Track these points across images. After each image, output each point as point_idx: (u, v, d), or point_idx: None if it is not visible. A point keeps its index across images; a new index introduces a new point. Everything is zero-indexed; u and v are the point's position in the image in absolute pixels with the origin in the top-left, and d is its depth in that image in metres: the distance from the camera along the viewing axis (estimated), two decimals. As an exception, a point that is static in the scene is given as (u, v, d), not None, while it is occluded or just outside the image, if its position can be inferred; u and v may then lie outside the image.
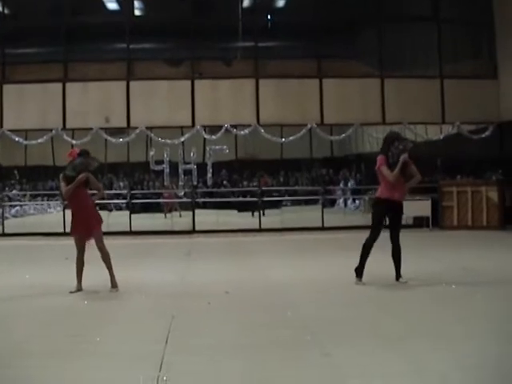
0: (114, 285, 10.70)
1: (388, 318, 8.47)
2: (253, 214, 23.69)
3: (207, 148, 22.68)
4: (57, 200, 23.98)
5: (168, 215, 24.45)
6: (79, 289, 10.58)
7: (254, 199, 23.50)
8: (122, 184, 26.12)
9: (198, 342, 7.31)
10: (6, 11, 23.94)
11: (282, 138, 23.31)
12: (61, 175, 10.86)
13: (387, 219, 11.29)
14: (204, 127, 22.64)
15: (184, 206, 24.19)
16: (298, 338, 7.38)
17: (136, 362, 6.53)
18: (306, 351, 6.84)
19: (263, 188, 23.95)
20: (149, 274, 12.89)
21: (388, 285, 10.92)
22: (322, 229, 22.33)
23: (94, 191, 11.32)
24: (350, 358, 6.57)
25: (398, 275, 11.09)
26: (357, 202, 27.01)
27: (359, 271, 11.17)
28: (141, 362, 6.49)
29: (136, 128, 22.24)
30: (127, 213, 22.71)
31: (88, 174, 10.69)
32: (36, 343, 7.40)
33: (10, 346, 7.21)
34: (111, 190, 24.92)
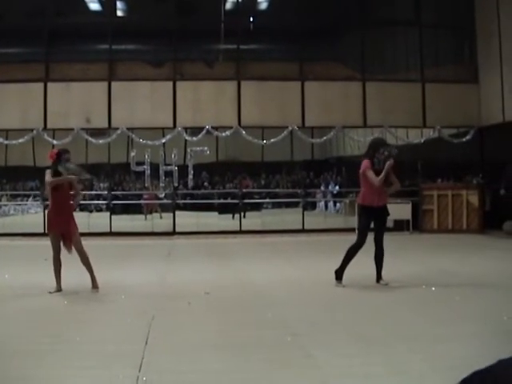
0: (94, 285, 10.63)
1: (368, 320, 8.48)
2: (233, 217, 23.66)
3: (188, 149, 22.63)
4: (37, 200, 23.87)
5: (148, 216, 24.39)
6: (58, 289, 10.51)
7: (235, 201, 23.47)
8: (102, 185, 26.03)
9: (178, 342, 7.31)
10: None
11: (263, 140, 23.28)
12: (48, 170, 10.77)
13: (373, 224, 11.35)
14: (185, 129, 22.59)
15: (164, 208, 24.14)
16: (279, 339, 7.39)
17: (116, 361, 6.52)
18: (288, 352, 6.86)
19: (244, 190, 23.92)
20: (129, 274, 12.86)
21: (368, 287, 10.96)
22: (303, 231, 22.35)
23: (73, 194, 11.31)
24: (330, 358, 6.59)
25: (379, 277, 11.17)
26: (338, 204, 27.08)
27: (339, 274, 11.21)
28: (120, 362, 6.48)
29: (117, 129, 22.16)
30: (107, 214, 22.65)
31: (75, 179, 10.79)
32: (14, 343, 7.36)
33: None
34: (91, 190, 24.80)
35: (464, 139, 22.87)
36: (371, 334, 7.62)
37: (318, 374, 6.13)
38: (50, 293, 10.33)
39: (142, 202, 24.94)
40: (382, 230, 11.27)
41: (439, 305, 9.44)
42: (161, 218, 24.05)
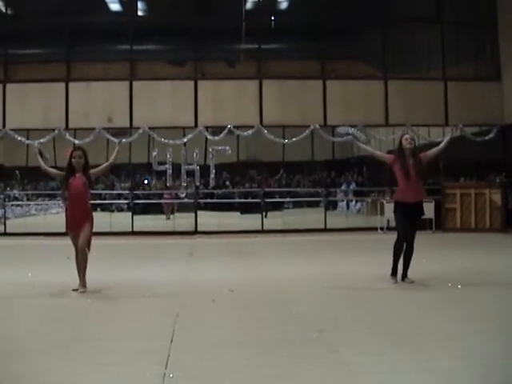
0: (82, 284, 10.47)
1: (394, 317, 8.41)
2: (266, 215, 23.54)
3: (209, 149, 22.61)
4: (59, 200, 23.92)
5: (170, 216, 24.39)
6: (82, 287, 10.44)
7: (257, 200, 23.38)
8: (123, 185, 26.00)
9: (203, 339, 7.26)
10: (9, 11, 23.92)
11: (284, 139, 23.20)
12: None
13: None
14: (206, 128, 22.58)
15: (186, 208, 24.12)
16: (304, 336, 7.33)
17: (142, 358, 6.48)
18: (313, 348, 6.80)
19: (266, 190, 23.85)
20: (152, 273, 12.83)
21: (391, 284, 10.87)
22: (325, 230, 22.30)
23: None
24: (357, 355, 6.51)
25: (405, 275, 11.04)
26: (359, 204, 26.96)
27: (393, 270, 11.06)
28: (147, 359, 6.44)
29: (138, 128, 22.18)
30: (129, 214, 22.69)
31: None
32: (40, 341, 7.34)
33: (13, 344, 7.15)
34: (113, 190, 24.82)
35: (486, 137, 22.75)
36: (396, 331, 7.54)
37: (344, 370, 6.06)
38: (74, 290, 10.31)
39: (162, 201, 24.88)
40: (414, 228, 11.03)
41: (465, 303, 9.34)
42: (168, 218, 24.01)
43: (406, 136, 11.19)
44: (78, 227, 10.48)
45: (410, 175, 10.82)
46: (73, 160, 10.69)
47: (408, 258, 11.00)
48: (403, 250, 10.92)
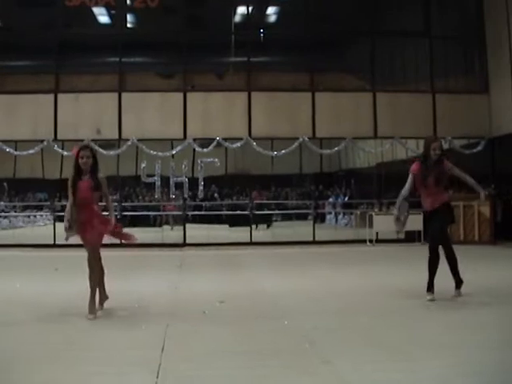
0: (100, 302, 9.73)
1: (386, 327, 8.39)
2: (257, 227, 23.54)
3: (198, 160, 22.60)
4: (46, 212, 23.85)
5: (158, 229, 24.35)
6: (104, 300, 9.83)
7: (246, 213, 23.33)
8: (111, 198, 25.89)
9: (194, 349, 7.23)
10: (-1, 23, 23.95)
11: (273, 151, 23.18)
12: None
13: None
14: (195, 140, 22.56)
15: (175, 220, 24.13)
16: (296, 346, 7.30)
17: (133, 367, 6.44)
18: (306, 359, 6.77)
19: (255, 202, 23.82)
20: (141, 284, 12.82)
21: (385, 295, 10.85)
22: (314, 243, 22.28)
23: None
24: (350, 365, 6.49)
25: (457, 285, 10.58)
26: (347, 217, 26.97)
27: (428, 285, 10.43)
28: (138, 368, 6.40)
29: (127, 140, 22.15)
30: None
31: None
32: (30, 350, 7.29)
33: (2, 354, 7.09)
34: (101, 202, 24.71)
35: (475, 150, 22.86)
36: (390, 341, 7.53)
37: (337, 381, 6.04)
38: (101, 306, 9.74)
39: (152, 213, 24.82)
40: (442, 232, 10.45)
41: (457, 312, 9.37)
42: (171, 229, 24.02)
43: (435, 145, 10.45)
44: (84, 230, 9.51)
45: (428, 183, 10.29)
46: (80, 161, 9.52)
47: (453, 266, 10.45)
48: (437, 262, 10.35)
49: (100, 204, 10.01)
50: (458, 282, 10.55)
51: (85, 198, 9.50)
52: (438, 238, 10.39)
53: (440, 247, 10.36)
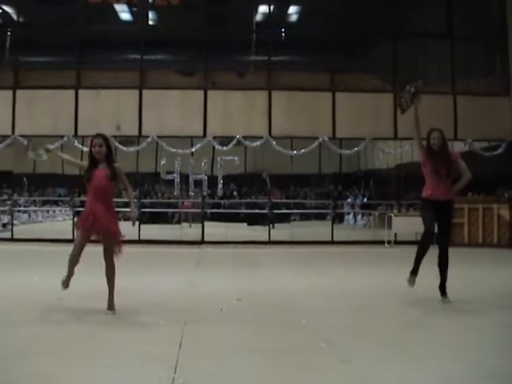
0: (111, 306, 9.28)
1: (402, 328, 8.40)
2: (273, 226, 23.53)
3: (218, 158, 22.63)
4: (66, 207, 23.96)
5: (177, 226, 24.40)
6: (66, 286, 9.49)
7: (264, 211, 23.37)
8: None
9: (212, 346, 7.24)
10: (21, 19, 24.01)
11: (292, 150, 23.17)
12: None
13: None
14: (215, 138, 22.59)
15: (193, 217, 24.18)
16: (313, 345, 7.30)
17: (150, 363, 6.45)
18: (323, 357, 6.77)
19: (273, 201, 23.83)
20: (159, 280, 12.84)
21: (399, 294, 10.80)
22: (332, 243, 22.26)
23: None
24: (367, 364, 6.49)
25: (443, 291, 10.23)
26: (365, 218, 26.93)
27: (413, 270, 10.23)
28: (155, 364, 6.42)
29: (147, 137, 22.22)
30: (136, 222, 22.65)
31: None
32: (47, 343, 7.33)
33: (19, 346, 7.13)
34: (120, 198, 24.82)
35: (495, 152, 22.74)
36: (406, 341, 7.53)
37: (353, 379, 6.04)
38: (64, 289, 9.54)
39: (170, 210, 24.87)
40: (445, 231, 10.23)
41: (473, 314, 9.33)
42: (190, 226, 24.06)
43: (434, 135, 10.26)
44: (93, 224, 9.13)
45: (440, 172, 10.01)
46: (93, 149, 9.29)
47: (444, 267, 10.15)
48: (427, 249, 10.08)
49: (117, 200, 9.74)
50: (445, 286, 10.26)
51: (101, 188, 9.18)
52: (446, 239, 10.23)
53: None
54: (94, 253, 9.35)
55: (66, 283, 9.50)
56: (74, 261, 9.37)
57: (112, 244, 9.33)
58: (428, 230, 10.08)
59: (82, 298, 10.15)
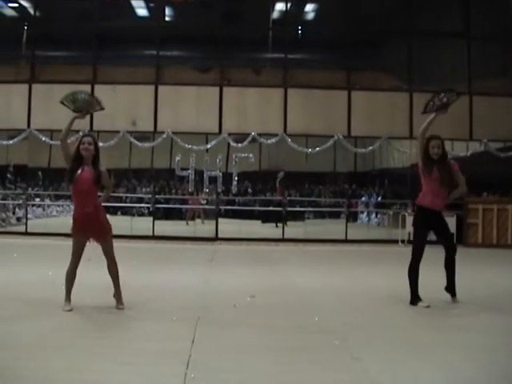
0: (119, 302, 9.29)
1: (416, 327, 8.39)
2: (276, 225, 23.55)
3: (233, 155, 22.63)
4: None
5: (191, 222, 24.39)
6: (69, 309, 9.04)
7: (279, 209, 23.37)
8: (145, 190, 26.03)
9: (224, 342, 7.24)
10: (37, 14, 24.06)
11: (308, 148, 23.16)
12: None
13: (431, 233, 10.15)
14: (230, 134, 22.59)
15: (206, 214, 24.18)
16: (326, 342, 7.30)
17: (162, 358, 6.48)
18: (336, 355, 6.77)
19: (287, 198, 23.79)
20: (172, 276, 12.90)
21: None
22: (346, 241, 22.24)
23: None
24: (379, 362, 6.48)
25: (453, 292, 10.20)
26: (379, 217, 26.86)
27: (413, 299, 9.93)
28: (167, 359, 6.44)
29: (162, 133, 22.24)
30: (149, 218, 22.71)
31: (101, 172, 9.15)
32: (62, 338, 7.36)
33: (34, 341, 7.16)
34: (134, 194, 24.89)
35: (511, 153, 22.63)
36: (420, 340, 7.52)
37: (366, 377, 6.03)
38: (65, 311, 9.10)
39: (185, 206, 24.90)
40: (448, 235, 10.22)
41: (488, 315, 9.28)
42: (202, 223, 24.07)
43: (433, 143, 9.87)
44: (86, 230, 9.05)
45: (445, 182, 9.87)
46: (81, 147, 9.00)
47: (451, 270, 10.09)
48: (418, 270, 9.94)
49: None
50: (454, 287, 10.21)
51: (87, 193, 8.98)
52: (451, 240, 10.35)
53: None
54: (99, 247, 9.36)
55: (67, 304, 9.16)
56: (71, 279, 9.26)
57: (109, 243, 9.29)
58: (416, 260, 9.98)
59: (94, 291, 10.17)
